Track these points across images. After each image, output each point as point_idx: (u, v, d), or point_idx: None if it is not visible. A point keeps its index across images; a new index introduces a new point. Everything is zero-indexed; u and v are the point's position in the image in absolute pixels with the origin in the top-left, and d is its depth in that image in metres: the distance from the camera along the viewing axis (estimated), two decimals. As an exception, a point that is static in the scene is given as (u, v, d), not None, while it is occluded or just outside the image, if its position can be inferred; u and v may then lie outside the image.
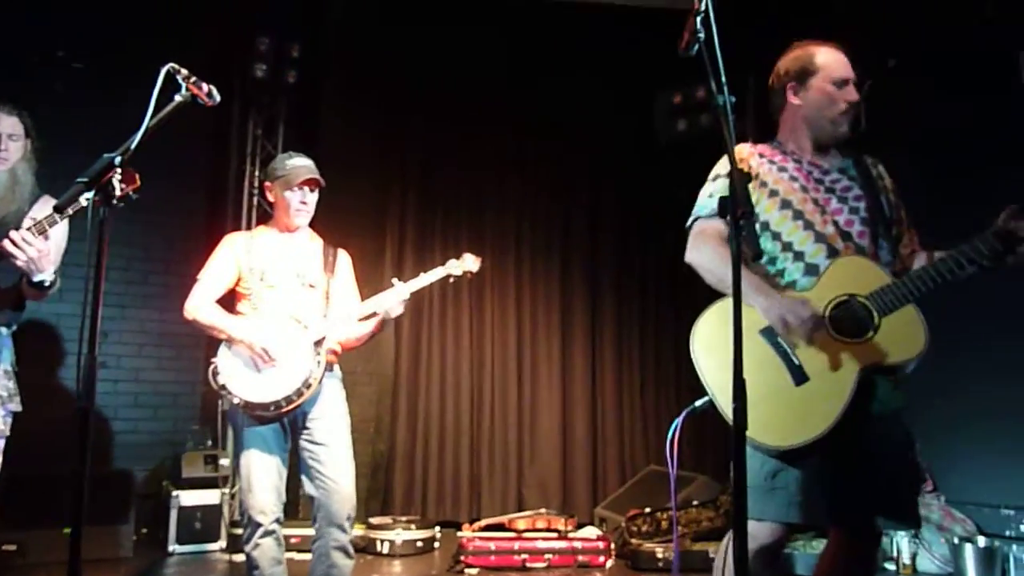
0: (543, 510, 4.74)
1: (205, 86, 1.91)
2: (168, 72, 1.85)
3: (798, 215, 2.04)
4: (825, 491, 1.89)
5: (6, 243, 2.27)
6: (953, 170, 4.46)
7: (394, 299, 2.87)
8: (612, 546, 4.39)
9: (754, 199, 1.96)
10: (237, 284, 2.93)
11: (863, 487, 1.91)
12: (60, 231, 2.47)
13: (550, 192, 5.81)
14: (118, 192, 1.72)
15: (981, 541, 4.16)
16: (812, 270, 2.00)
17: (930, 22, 4.61)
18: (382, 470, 5.29)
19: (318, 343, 2.80)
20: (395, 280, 2.92)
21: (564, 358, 5.78)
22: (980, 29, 4.32)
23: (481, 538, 4.31)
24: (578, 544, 4.31)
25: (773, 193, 2.07)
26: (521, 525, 4.47)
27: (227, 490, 4.64)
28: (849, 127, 2.11)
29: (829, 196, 2.06)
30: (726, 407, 1.83)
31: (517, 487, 5.51)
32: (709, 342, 2.00)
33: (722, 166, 2.16)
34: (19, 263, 2.31)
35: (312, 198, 2.96)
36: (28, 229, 2.28)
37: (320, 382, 2.79)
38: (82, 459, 1.70)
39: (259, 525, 2.75)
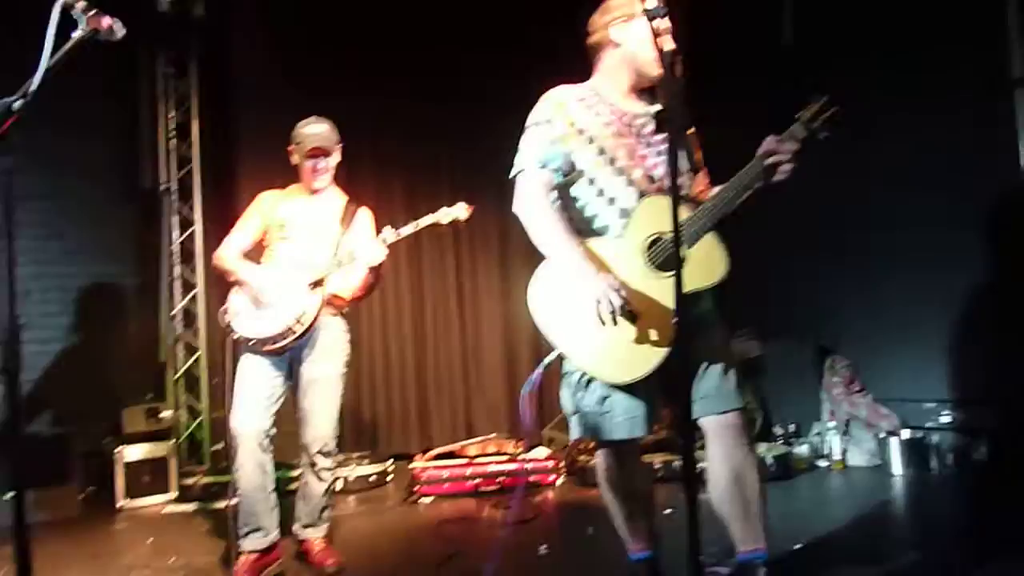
0: (493, 435, 4.83)
1: (107, 19, 1.77)
2: (63, 6, 1.70)
3: (612, 161, 2.16)
4: (650, 404, 2.14)
5: None
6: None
7: (371, 244, 3.02)
8: (561, 464, 4.52)
9: (571, 147, 2.16)
10: (265, 238, 3.16)
11: (688, 388, 2.04)
12: None
13: (481, 116, 5.67)
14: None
15: (905, 434, 4.43)
16: (625, 214, 2.15)
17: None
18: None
19: (315, 285, 2.98)
20: (387, 228, 3.05)
21: (505, 285, 5.80)
22: None
23: (433, 467, 4.38)
24: (528, 465, 4.43)
25: (591, 140, 2.18)
26: (472, 451, 4.55)
27: (173, 441, 4.59)
28: (663, 72, 2.14)
29: (639, 141, 2.19)
30: (572, 357, 2.14)
31: (466, 415, 5.60)
32: (546, 298, 2.20)
33: (541, 113, 2.22)
34: None
35: (326, 163, 3.15)
36: None
37: (315, 321, 2.98)
38: (14, 422, 1.65)
39: (236, 444, 2.94)
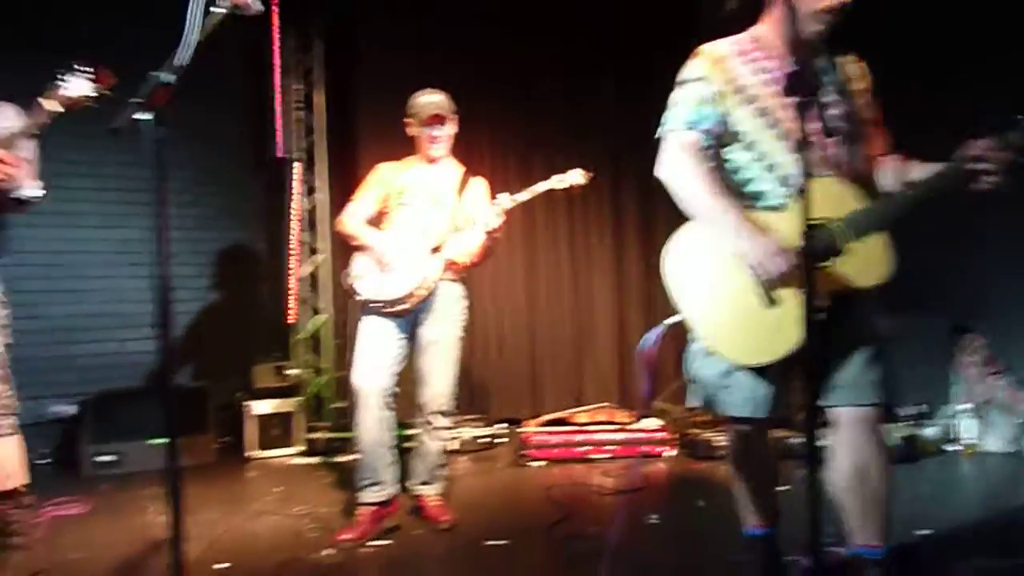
0: (604, 404, 4.83)
1: (246, -5, 1.86)
2: None
3: (774, 124, 1.99)
4: (776, 386, 2.01)
5: None
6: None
7: (488, 210, 3.09)
8: (672, 436, 4.48)
9: (727, 107, 2.01)
10: (385, 205, 3.25)
11: (817, 370, 1.92)
12: (33, 143, 2.49)
13: (599, 88, 5.61)
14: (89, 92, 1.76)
15: (1048, 419, 4.12)
16: (784, 181, 1.98)
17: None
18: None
19: (435, 250, 3.10)
20: (503, 194, 3.13)
21: (617, 255, 5.75)
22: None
23: (544, 432, 4.44)
24: (639, 435, 4.41)
25: (751, 100, 2.01)
26: (582, 419, 4.57)
27: (299, 398, 4.86)
28: (828, 28, 1.98)
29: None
30: (697, 327, 2.02)
31: (576, 383, 5.62)
32: (681, 262, 2.07)
33: (694, 70, 2.07)
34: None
35: (443, 131, 3.23)
36: None
37: (435, 285, 3.11)
38: (165, 374, 1.78)
39: (358, 401, 3.07)
